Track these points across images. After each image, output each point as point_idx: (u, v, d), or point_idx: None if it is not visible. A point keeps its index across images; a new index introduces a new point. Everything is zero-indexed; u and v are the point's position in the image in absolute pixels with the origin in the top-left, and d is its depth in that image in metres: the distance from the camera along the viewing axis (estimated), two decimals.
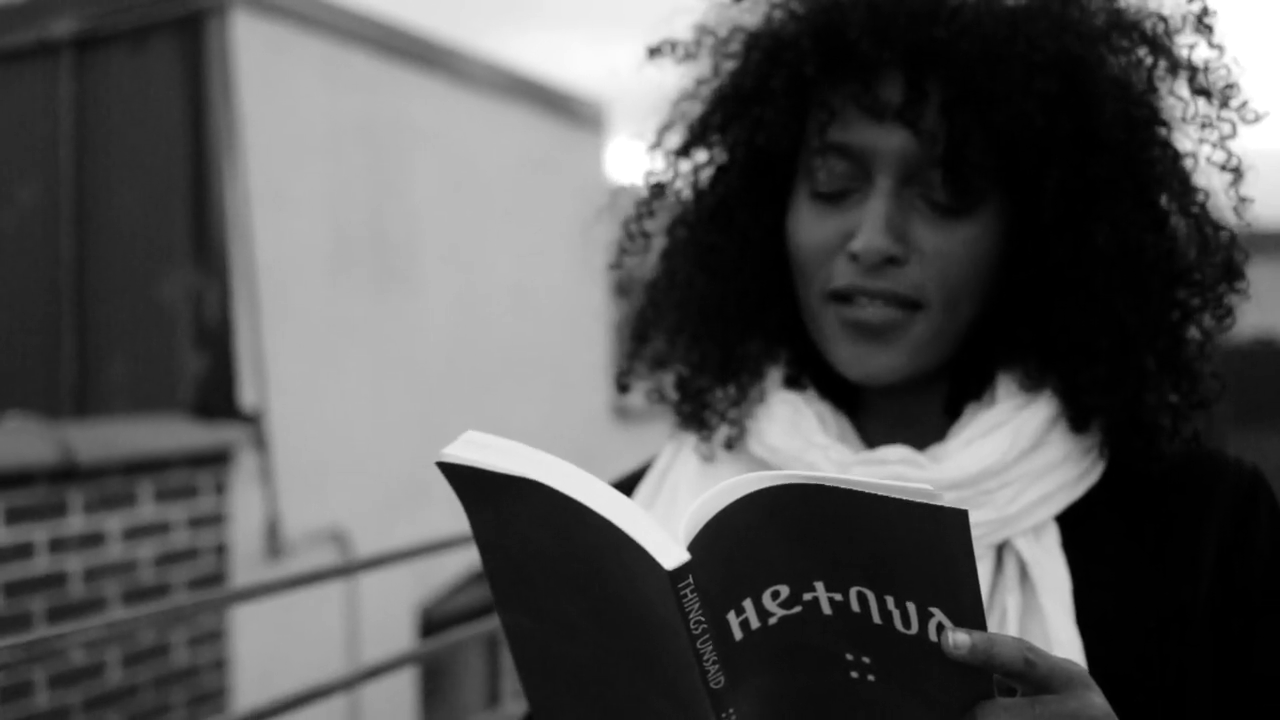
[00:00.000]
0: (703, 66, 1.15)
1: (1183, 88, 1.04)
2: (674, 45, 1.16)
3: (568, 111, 6.94)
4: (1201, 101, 1.03)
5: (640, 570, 0.72)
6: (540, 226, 6.67)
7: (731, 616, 0.75)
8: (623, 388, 1.21)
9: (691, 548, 0.71)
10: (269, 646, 4.60)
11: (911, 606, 0.73)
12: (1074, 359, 1.01)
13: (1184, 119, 1.03)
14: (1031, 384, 1.04)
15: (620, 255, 1.20)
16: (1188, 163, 1.03)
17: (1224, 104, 1.03)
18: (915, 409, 1.08)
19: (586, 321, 7.11)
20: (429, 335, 5.72)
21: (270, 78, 4.86)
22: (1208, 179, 1.04)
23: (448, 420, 5.76)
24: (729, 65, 1.12)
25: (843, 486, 0.71)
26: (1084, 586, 0.97)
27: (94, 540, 3.97)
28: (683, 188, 1.16)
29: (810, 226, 1.03)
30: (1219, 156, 1.03)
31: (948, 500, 0.70)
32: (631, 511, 0.72)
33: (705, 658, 0.74)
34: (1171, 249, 1.00)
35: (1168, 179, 1.01)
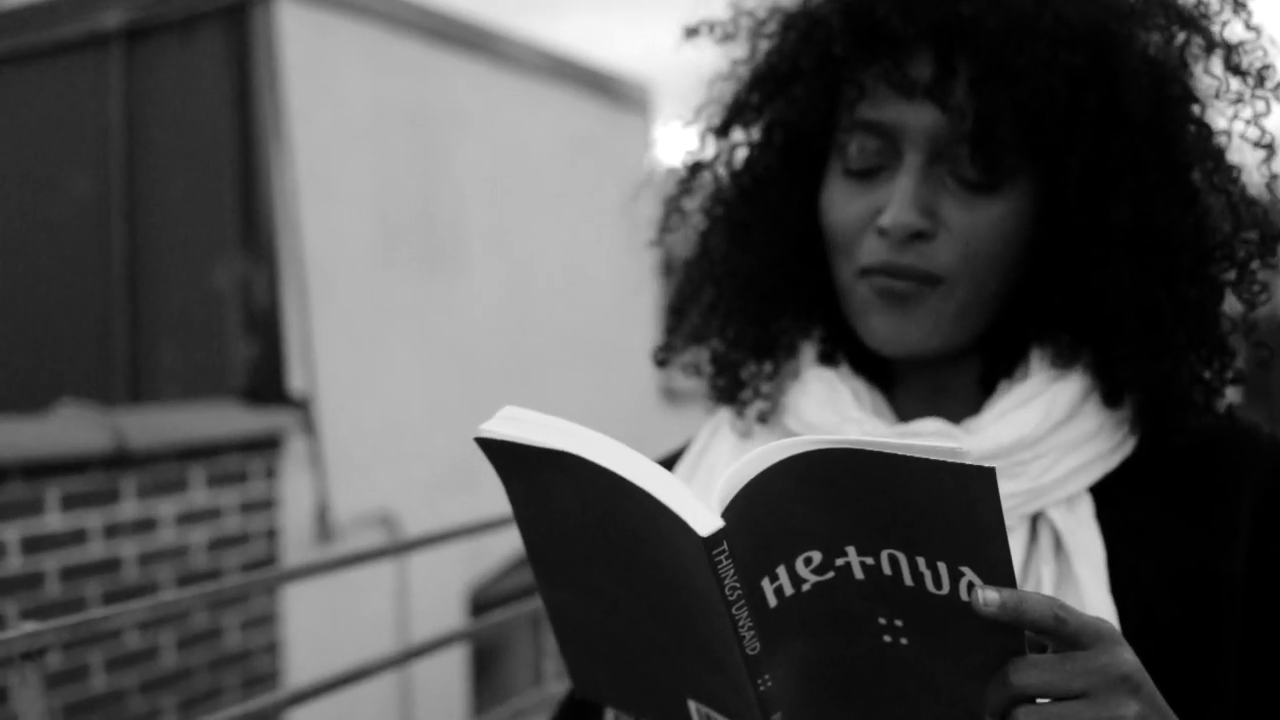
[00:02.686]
0: (740, 47, 1.16)
1: (1218, 65, 1.03)
2: (712, 26, 1.18)
3: (613, 94, 6.93)
4: (1235, 80, 1.03)
5: (676, 538, 0.74)
6: (587, 209, 6.67)
7: (766, 583, 0.77)
8: (661, 362, 1.23)
9: (725, 514, 0.73)
10: (320, 630, 4.65)
11: (942, 566, 0.74)
12: (1104, 334, 1.02)
13: (1218, 96, 1.03)
14: (1064, 359, 1.04)
15: (660, 233, 1.22)
16: (1221, 140, 1.03)
17: (1260, 84, 1.03)
18: (949, 384, 1.09)
19: (634, 304, 7.11)
20: (476, 319, 5.74)
21: (316, 65, 4.89)
22: (1241, 155, 1.04)
23: (496, 403, 5.72)
24: (766, 45, 1.13)
25: (872, 449, 0.72)
26: (1117, 556, 0.98)
27: (147, 525, 4.02)
28: (720, 166, 1.18)
29: (842, 203, 1.05)
30: (1252, 134, 1.03)
31: None
32: (667, 481, 0.73)
33: (741, 624, 0.75)
34: (1200, 225, 1.00)
35: (1199, 155, 1.01)
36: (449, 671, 5.33)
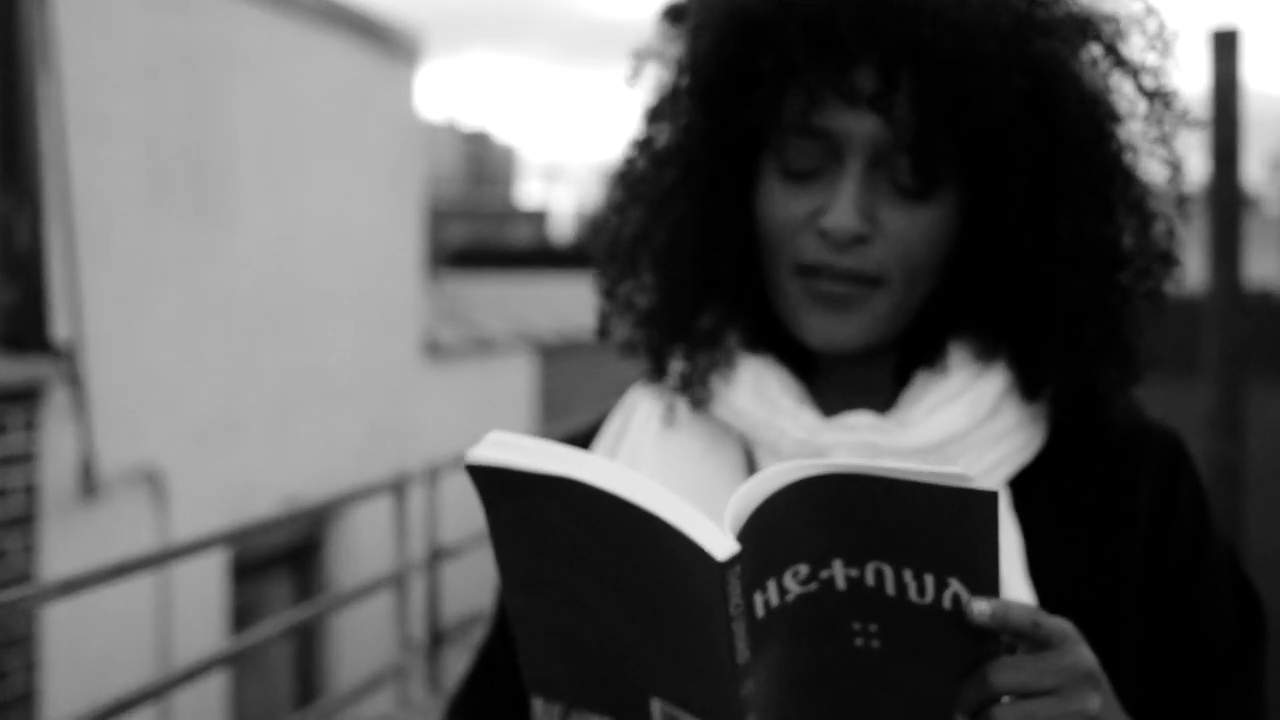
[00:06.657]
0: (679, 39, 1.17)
1: (1125, 85, 1.11)
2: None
3: (383, 40, 6.80)
4: (1145, 102, 1.11)
5: (686, 560, 0.76)
6: (356, 159, 6.54)
7: (757, 596, 0.79)
8: (602, 333, 1.24)
9: (738, 536, 0.76)
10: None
11: (929, 578, 0.79)
12: (1028, 334, 1.09)
13: (1130, 115, 1.11)
14: (985, 355, 1.11)
15: (598, 217, 1.24)
16: (1129, 157, 1.11)
17: (1166, 106, 1.11)
18: (868, 376, 1.15)
19: (398, 257, 7.02)
20: (245, 268, 5.57)
21: None
22: (1149, 172, 1.12)
23: (262, 355, 5.63)
24: (705, 39, 1.13)
25: (880, 474, 0.76)
26: (1033, 547, 1.06)
27: None
28: (654, 157, 1.19)
29: (781, 203, 1.08)
30: (1160, 153, 1.11)
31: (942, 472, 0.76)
32: (676, 504, 0.76)
33: (737, 636, 0.78)
34: (1117, 237, 1.09)
35: (1117, 172, 1.09)
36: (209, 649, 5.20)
